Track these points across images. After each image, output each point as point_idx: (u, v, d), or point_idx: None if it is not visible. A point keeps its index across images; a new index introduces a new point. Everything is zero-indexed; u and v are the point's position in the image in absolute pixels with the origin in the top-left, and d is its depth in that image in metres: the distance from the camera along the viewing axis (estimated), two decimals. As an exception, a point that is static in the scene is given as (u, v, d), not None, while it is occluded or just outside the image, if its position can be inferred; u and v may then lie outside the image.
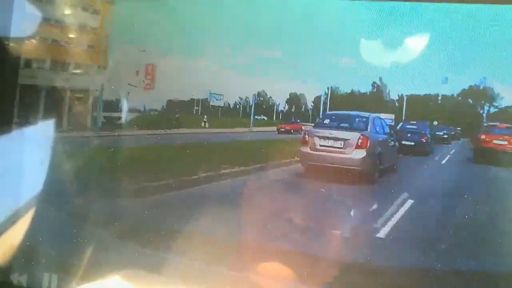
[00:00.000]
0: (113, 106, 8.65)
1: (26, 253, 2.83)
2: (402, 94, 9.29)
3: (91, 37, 8.45)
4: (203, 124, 9.80)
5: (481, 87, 8.64)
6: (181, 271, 2.86)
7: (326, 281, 3.06)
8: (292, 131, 10.74)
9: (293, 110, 10.99)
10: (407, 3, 5.71)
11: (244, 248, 3.52)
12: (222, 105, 10.19)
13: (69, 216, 3.77)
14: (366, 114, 8.11)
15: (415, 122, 9.39)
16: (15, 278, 2.73)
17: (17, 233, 2.81)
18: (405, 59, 6.22)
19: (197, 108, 10.12)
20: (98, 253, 2.99)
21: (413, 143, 9.18)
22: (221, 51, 8.70)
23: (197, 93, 9.77)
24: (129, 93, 8.65)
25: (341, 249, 4.29)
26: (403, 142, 9.16)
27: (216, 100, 9.86)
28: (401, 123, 9.43)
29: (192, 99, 9.91)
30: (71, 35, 8.01)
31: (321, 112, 9.76)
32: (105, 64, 8.46)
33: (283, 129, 10.73)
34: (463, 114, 9.42)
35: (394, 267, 3.72)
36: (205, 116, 9.90)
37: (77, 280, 2.68)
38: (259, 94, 10.41)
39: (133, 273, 2.68)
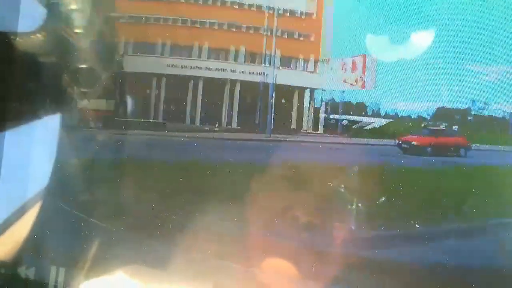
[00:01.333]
0: (336, 107, 6.62)
1: (33, 246, 2.81)
2: None
3: (305, 25, 6.77)
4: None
5: None
6: (190, 266, 2.70)
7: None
8: (431, 149, 5.67)
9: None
10: None
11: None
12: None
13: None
14: None
15: None
16: (23, 271, 2.74)
17: (25, 226, 2.78)
18: None
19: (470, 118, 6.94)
20: (106, 246, 2.87)
21: None
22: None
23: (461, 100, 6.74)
24: (344, 92, 6.49)
25: None
26: None
27: (479, 109, 6.61)
28: None
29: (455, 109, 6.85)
30: (280, 22, 6.61)
31: None
32: (323, 57, 6.57)
33: (407, 145, 5.79)
34: None
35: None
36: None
37: (85, 273, 2.66)
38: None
39: (141, 267, 2.62)
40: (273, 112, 6.74)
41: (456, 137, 6.16)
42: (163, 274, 2.71)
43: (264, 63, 6.59)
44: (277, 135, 6.52)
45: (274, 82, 6.60)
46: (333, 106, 6.54)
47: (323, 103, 6.59)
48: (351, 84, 6.68)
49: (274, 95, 6.47)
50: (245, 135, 6.61)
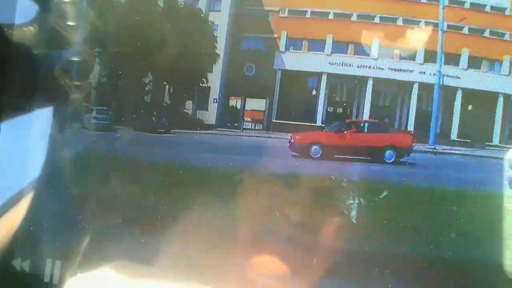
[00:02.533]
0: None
1: (29, 239, 2.81)
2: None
3: (497, 21, 5.91)
4: None
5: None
6: (186, 258, 2.72)
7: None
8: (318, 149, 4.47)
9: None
10: None
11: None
12: None
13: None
14: None
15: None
16: (18, 263, 2.74)
17: (20, 219, 2.78)
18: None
19: None
20: (102, 240, 2.88)
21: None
22: None
23: None
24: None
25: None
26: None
27: None
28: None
29: None
30: (467, 18, 5.80)
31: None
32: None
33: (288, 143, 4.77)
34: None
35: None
36: None
37: (80, 266, 2.67)
38: None
39: (137, 260, 2.65)
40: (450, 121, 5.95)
41: (381, 133, 4.77)
42: (158, 268, 2.71)
43: (447, 64, 5.79)
44: (445, 147, 5.73)
45: (440, 84, 5.78)
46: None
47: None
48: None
49: (460, 100, 5.65)
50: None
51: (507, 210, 1.76)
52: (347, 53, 6.13)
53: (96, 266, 2.74)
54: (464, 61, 5.79)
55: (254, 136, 6.38)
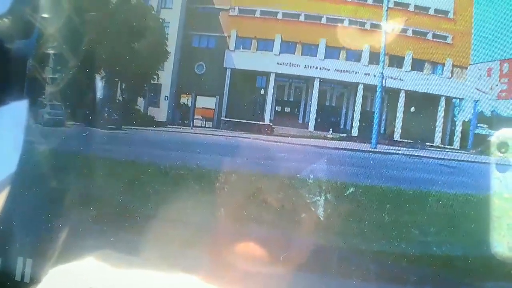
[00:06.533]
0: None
1: None
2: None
3: (440, 24, 5.99)
4: None
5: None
6: (156, 255, 2.70)
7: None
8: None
9: None
10: None
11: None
12: None
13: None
14: None
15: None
16: None
17: None
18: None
19: None
20: (73, 237, 2.85)
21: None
22: None
23: None
24: (477, 101, 5.67)
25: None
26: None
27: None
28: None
29: None
30: (411, 20, 5.84)
31: None
32: (461, 62, 5.77)
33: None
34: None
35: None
36: None
37: (52, 264, 2.63)
38: None
39: (108, 256, 2.64)
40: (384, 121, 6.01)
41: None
42: (129, 263, 2.70)
43: (391, 66, 5.83)
44: (389, 147, 5.78)
45: (383, 85, 5.83)
46: (472, 118, 5.73)
47: (460, 114, 5.75)
48: (483, 93, 5.86)
49: (403, 102, 5.71)
50: (348, 144, 5.86)
51: (495, 193, 1.74)
52: (294, 53, 6.14)
53: (67, 263, 2.68)
54: (407, 63, 5.85)
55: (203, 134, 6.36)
